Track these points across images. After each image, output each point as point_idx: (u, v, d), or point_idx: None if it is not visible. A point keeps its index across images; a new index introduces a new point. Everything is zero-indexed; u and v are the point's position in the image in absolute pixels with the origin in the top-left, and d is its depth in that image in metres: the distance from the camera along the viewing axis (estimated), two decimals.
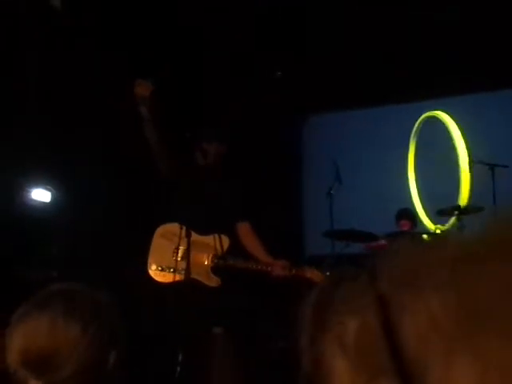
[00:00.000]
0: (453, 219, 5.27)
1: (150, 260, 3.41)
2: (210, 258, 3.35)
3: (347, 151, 6.11)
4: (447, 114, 6.02)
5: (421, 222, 5.55)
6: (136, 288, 3.63)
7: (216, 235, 3.34)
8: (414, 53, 5.47)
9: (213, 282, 3.32)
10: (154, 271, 3.38)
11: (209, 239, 3.34)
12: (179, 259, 3.30)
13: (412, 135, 6.13)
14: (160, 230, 3.45)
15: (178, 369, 3.08)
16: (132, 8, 4.83)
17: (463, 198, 5.68)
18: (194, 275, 3.22)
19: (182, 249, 3.31)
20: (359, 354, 0.40)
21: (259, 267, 3.31)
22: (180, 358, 3.07)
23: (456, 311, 0.36)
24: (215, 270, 3.34)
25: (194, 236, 3.26)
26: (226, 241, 3.35)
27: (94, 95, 4.80)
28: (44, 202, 4.58)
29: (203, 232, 3.34)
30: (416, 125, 6.12)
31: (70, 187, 4.68)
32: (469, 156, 4.84)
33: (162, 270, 3.36)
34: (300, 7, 5.22)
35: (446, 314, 0.36)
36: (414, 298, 0.38)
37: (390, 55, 5.51)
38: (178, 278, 3.25)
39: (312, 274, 3.33)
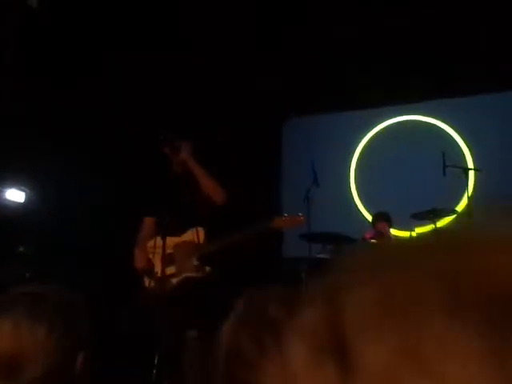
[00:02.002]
0: (425, 223, 5.36)
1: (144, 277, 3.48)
2: (193, 251, 3.39)
3: (325, 154, 6.16)
4: (423, 117, 6.11)
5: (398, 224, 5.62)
6: (111, 289, 3.61)
7: (193, 229, 3.38)
8: (391, 58, 5.55)
9: (200, 271, 3.38)
10: (148, 284, 3.42)
11: (187, 236, 3.41)
12: (166, 268, 3.36)
13: (381, 138, 6.20)
14: (143, 247, 3.50)
15: (154, 371, 3.08)
16: (104, 6, 4.80)
17: (441, 201, 5.73)
18: (184, 273, 3.32)
19: (161, 255, 3.37)
20: (313, 338, 0.42)
21: (239, 235, 3.33)
22: (156, 359, 3.08)
23: (379, 306, 0.39)
24: (202, 260, 3.39)
25: (172, 239, 3.31)
26: (201, 232, 3.40)
27: (68, 95, 4.75)
28: (18, 203, 4.52)
29: (180, 232, 3.40)
30: (386, 129, 6.19)
31: (43, 188, 4.63)
32: (443, 160, 4.90)
33: (156, 281, 3.41)
34: (278, 10, 5.24)
35: (375, 305, 0.39)
36: (353, 293, 0.40)
37: (368, 59, 5.57)
38: (175, 281, 3.34)
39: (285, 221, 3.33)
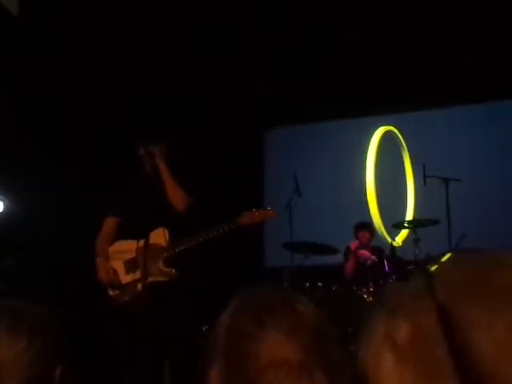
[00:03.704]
0: (403, 232, 5.43)
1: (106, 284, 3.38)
2: (157, 254, 3.29)
3: (307, 164, 6.18)
4: (400, 129, 6.18)
5: (378, 234, 5.66)
6: (91, 301, 3.56)
7: (157, 230, 3.30)
8: (372, 69, 5.61)
9: (167, 275, 3.29)
10: (113, 294, 3.35)
11: (151, 238, 3.26)
12: (130, 274, 3.30)
13: (371, 148, 6.26)
14: (104, 254, 3.42)
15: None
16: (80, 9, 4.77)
17: (410, 211, 5.86)
18: (150, 278, 3.20)
19: (126, 263, 3.33)
20: (411, 352, 0.43)
21: (206, 234, 3.25)
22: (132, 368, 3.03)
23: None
24: (167, 262, 3.31)
25: (134, 242, 3.25)
26: (164, 232, 3.31)
27: (46, 102, 4.71)
28: None
29: (143, 235, 3.28)
30: (375, 139, 6.25)
31: (22, 197, 4.56)
32: (423, 170, 4.95)
33: (121, 289, 3.34)
34: (261, 23, 5.27)
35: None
36: (487, 313, 0.40)
37: (349, 70, 5.63)
38: (140, 287, 3.23)
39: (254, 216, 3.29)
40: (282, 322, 0.80)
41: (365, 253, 4.80)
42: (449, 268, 0.46)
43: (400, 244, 5.27)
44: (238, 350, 0.80)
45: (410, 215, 5.81)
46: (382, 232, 5.80)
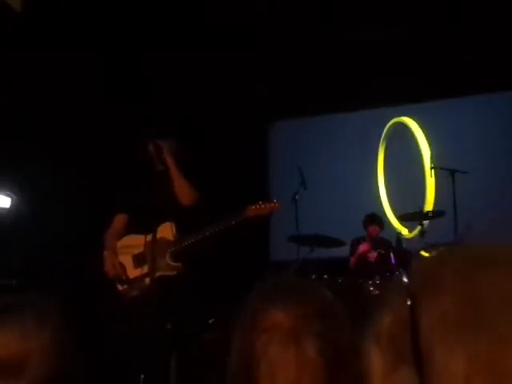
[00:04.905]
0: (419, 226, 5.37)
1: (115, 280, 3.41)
2: (164, 248, 3.32)
3: (312, 156, 6.17)
4: (411, 119, 6.15)
5: (390, 225, 5.66)
6: (97, 297, 3.58)
7: (164, 225, 3.33)
8: (381, 58, 5.57)
9: (174, 269, 3.32)
10: (121, 289, 3.37)
11: (158, 233, 3.29)
12: (138, 268, 3.32)
13: (381, 140, 6.24)
14: (112, 249, 3.44)
15: (142, 376, 3.05)
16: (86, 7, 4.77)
17: (428, 202, 5.79)
18: (158, 272, 3.23)
19: (135, 257, 3.35)
20: (389, 343, 0.48)
21: (212, 228, 3.28)
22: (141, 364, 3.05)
23: (458, 310, 0.43)
24: (174, 256, 3.33)
25: (142, 237, 3.27)
26: (171, 226, 3.34)
27: (56, 99, 4.72)
28: (4, 208, 4.47)
29: (151, 229, 3.29)
30: (385, 130, 6.23)
31: (30, 193, 4.58)
32: (431, 161, 4.93)
33: (128, 283, 3.36)
34: (264, 17, 5.25)
35: (454, 311, 0.43)
36: (431, 299, 0.45)
37: (355, 61, 5.60)
38: (147, 282, 3.25)
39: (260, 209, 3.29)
40: (291, 299, 0.93)
41: (365, 247, 4.80)
42: (430, 260, 0.51)
43: (411, 235, 5.24)
44: (249, 321, 0.94)
45: (429, 206, 5.70)
46: (394, 223, 5.77)
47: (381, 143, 6.21)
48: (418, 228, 4.72)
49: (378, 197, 6.16)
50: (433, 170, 5.00)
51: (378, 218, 5.16)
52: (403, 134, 6.14)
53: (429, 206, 5.71)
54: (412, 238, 5.19)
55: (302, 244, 4.63)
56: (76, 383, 1.11)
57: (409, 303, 0.46)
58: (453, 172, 4.83)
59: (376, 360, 0.49)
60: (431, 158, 5.26)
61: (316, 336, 0.89)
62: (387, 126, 6.22)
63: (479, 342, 0.41)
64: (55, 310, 1.13)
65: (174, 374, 3.12)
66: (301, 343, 0.88)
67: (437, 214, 4.80)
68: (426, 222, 4.76)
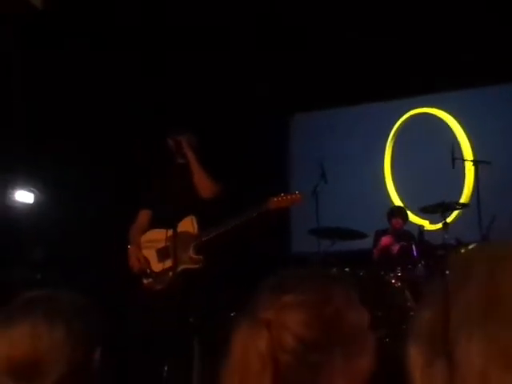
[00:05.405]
0: (454, 213, 5.21)
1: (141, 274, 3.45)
2: (187, 242, 3.35)
3: (333, 149, 6.13)
4: (435, 110, 6.04)
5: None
6: (122, 290, 3.62)
7: (186, 219, 3.36)
8: (402, 49, 5.50)
9: (197, 262, 3.34)
10: (147, 282, 3.40)
11: (181, 227, 3.34)
12: (162, 262, 3.35)
13: (394, 133, 6.17)
14: (136, 243, 3.48)
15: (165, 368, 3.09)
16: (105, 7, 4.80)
17: (465, 196, 5.60)
18: (181, 266, 3.27)
19: (158, 251, 3.37)
20: (428, 341, 0.50)
21: (234, 220, 3.30)
22: (166, 367, 3.08)
23: (481, 305, 0.45)
24: (197, 249, 3.36)
25: (165, 231, 3.30)
26: (192, 220, 3.38)
27: (78, 96, 4.77)
28: (27, 204, 4.54)
29: (174, 224, 3.33)
30: (397, 123, 6.16)
31: (53, 189, 4.64)
32: (452, 152, 4.85)
33: (153, 277, 3.40)
34: (289, 10, 5.22)
35: (476, 307, 0.45)
36: (459, 295, 0.47)
37: (377, 51, 5.53)
38: (170, 276, 3.29)
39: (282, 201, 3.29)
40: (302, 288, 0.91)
41: (387, 240, 4.77)
42: (460, 257, 0.53)
43: (434, 228, 5.17)
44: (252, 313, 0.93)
45: (465, 198, 5.55)
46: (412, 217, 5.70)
47: (393, 136, 6.12)
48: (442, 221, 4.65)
49: (398, 190, 6.10)
50: (471, 163, 4.86)
51: (402, 211, 5.12)
52: (421, 126, 6.05)
53: (465, 199, 5.55)
54: (434, 230, 5.12)
55: (323, 237, 4.62)
56: (93, 379, 1.10)
57: (444, 300, 0.49)
58: (476, 163, 4.75)
59: (415, 360, 0.51)
60: (453, 148, 5.16)
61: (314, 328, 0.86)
62: (404, 117, 6.13)
63: (498, 337, 0.43)
64: (68, 306, 1.11)
65: (197, 367, 3.14)
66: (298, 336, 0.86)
67: (459, 206, 4.74)
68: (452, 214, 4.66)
